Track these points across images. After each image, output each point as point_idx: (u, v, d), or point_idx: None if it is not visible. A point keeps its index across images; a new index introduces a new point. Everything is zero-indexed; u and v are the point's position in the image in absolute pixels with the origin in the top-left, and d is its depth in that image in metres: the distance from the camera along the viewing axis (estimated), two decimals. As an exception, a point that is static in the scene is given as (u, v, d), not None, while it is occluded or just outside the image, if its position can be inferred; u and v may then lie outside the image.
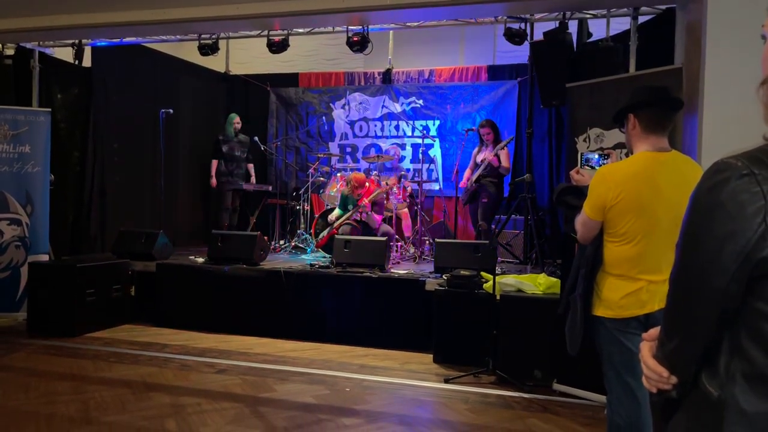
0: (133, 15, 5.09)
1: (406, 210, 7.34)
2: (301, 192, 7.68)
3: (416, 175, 7.86)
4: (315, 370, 4.53)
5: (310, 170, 7.80)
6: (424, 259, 6.75)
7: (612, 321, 2.31)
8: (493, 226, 6.53)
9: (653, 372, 1.10)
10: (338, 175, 7.58)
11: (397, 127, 8.54)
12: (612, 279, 2.32)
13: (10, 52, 6.37)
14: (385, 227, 6.62)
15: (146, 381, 4.21)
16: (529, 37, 5.54)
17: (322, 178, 7.81)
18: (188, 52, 7.49)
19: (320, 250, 6.75)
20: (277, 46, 6.11)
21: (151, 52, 7.46)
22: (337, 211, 6.75)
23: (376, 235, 6.27)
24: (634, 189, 2.26)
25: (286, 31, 6.04)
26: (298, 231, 7.54)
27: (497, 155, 6.42)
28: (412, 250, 6.97)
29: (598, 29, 5.38)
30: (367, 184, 6.65)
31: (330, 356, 4.94)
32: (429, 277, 5.30)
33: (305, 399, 3.92)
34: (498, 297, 4.46)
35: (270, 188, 8.04)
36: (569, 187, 2.60)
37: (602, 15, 5.14)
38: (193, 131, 8.35)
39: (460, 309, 4.72)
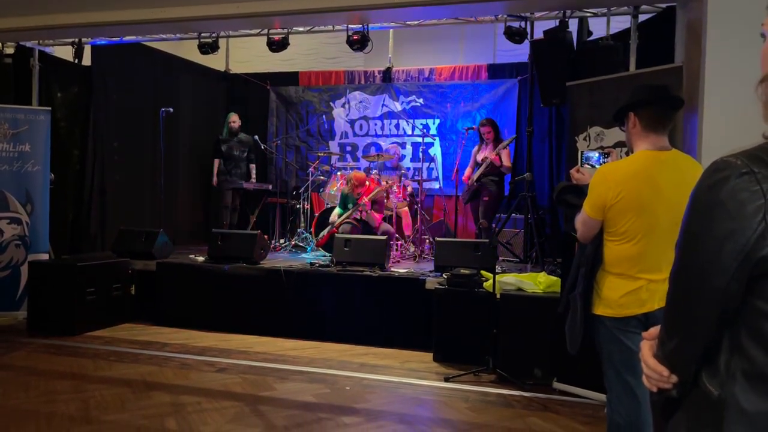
0: (132, 14, 5.08)
1: (406, 209, 7.34)
2: (301, 191, 7.68)
3: (416, 173, 7.86)
4: (315, 369, 4.54)
5: (310, 169, 7.80)
6: (424, 257, 6.75)
7: (612, 320, 2.31)
8: (493, 225, 6.53)
9: (654, 371, 1.10)
10: (338, 173, 7.58)
11: (397, 126, 8.53)
12: (612, 278, 2.32)
13: (9, 50, 6.36)
14: (385, 226, 6.62)
15: (146, 380, 4.21)
16: (529, 36, 5.53)
17: (322, 177, 7.81)
18: (188, 50, 7.49)
19: (320, 248, 6.75)
20: (277, 45, 6.10)
21: (151, 51, 7.46)
22: (337, 210, 6.75)
23: (376, 234, 6.27)
24: (635, 188, 2.26)
25: (286, 30, 6.04)
26: (298, 230, 7.54)
27: (499, 154, 6.42)
28: (412, 248, 6.97)
29: (598, 28, 5.38)
30: (367, 182, 6.65)
31: (330, 355, 4.94)
32: (429, 275, 5.30)
33: (305, 398, 3.92)
34: (498, 296, 4.46)
35: (270, 187, 8.03)
36: (569, 185, 2.60)
37: (602, 13, 5.14)
38: (193, 130, 8.35)
39: (460, 308, 4.72)
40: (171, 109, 6.82)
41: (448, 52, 8.37)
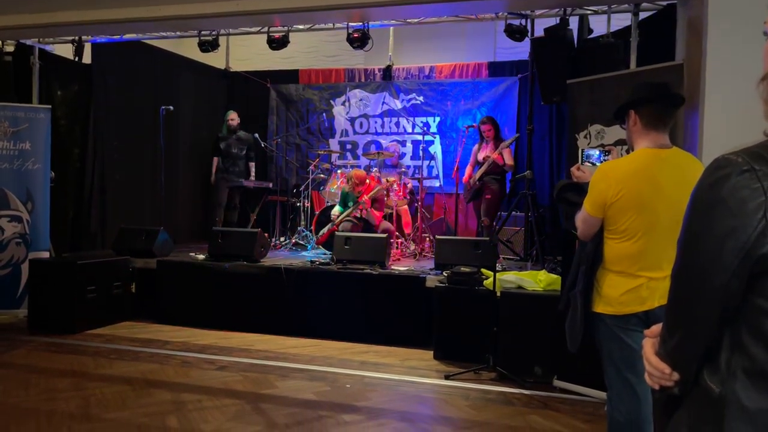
0: (132, 12, 5.08)
1: (406, 207, 7.34)
2: (301, 189, 7.68)
3: (416, 171, 7.86)
4: (316, 367, 4.54)
5: (311, 167, 7.80)
6: (424, 255, 6.75)
7: (612, 318, 2.31)
8: (494, 223, 6.53)
9: (656, 368, 1.10)
10: (338, 172, 7.58)
11: (397, 124, 8.53)
12: (612, 276, 2.32)
13: (10, 48, 6.35)
14: (386, 224, 6.62)
15: (147, 378, 4.21)
16: (529, 34, 5.53)
17: (322, 175, 7.81)
18: (188, 48, 7.48)
19: (321, 246, 6.76)
20: (278, 43, 6.09)
21: (151, 49, 7.45)
22: (337, 208, 6.75)
23: (376, 232, 6.27)
24: (635, 186, 2.26)
25: (286, 28, 6.02)
26: (299, 228, 7.54)
27: (501, 153, 6.42)
28: (412, 246, 6.97)
29: (598, 25, 5.37)
30: (367, 181, 6.65)
31: (331, 353, 4.95)
32: (429, 273, 5.30)
33: (306, 396, 3.93)
34: (498, 294, 4.46)
35: (270, 185, 8.04)
36: (570, 183, 2.60)
37: (603, 11, 5.13)
38: (194, 128, 8.35)
39: (460, 306, 4.72)
40: (171, 107, 6.81)
41: (448, 49, 8.36)
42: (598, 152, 3.06)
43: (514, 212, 6.64)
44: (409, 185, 7.43)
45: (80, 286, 5.43)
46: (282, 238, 7.62)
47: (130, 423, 3.40)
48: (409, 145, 8.41)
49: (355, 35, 5.68)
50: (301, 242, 7.30)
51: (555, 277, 4.50)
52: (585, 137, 4.15)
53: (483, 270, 4.85)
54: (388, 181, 6.94)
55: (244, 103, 8.81)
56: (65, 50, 6.66)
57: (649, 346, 1.15)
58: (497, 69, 8.10)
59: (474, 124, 7.28)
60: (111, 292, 5.75)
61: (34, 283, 5.59)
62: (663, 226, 2.23)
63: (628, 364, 2.27)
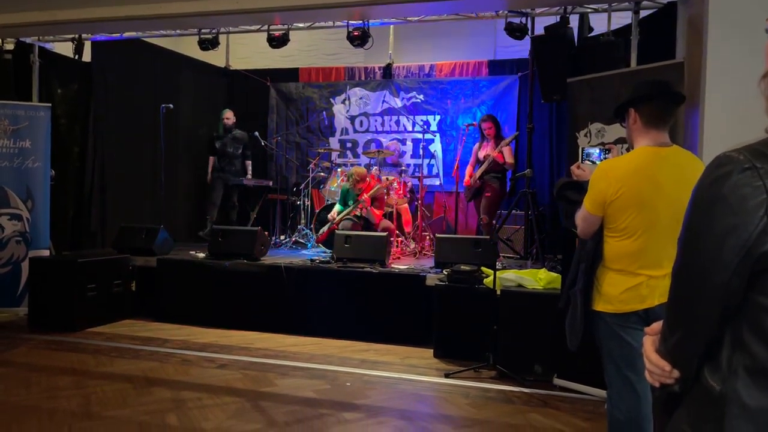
0: (132, 9, 5.07)
1: (406, 205, 7.34)
2: (301, 187, 7.68)
3: (416, 170, 7.86)
4: (316, 365, 4.54)
5: (311, 165, 7.80)
6: (424, 254, 6.75)
7: (612, 316, 2.31)
8: (494, 222, 6.53)
9: (656, 366, 1.10)
10: (339, 170, 7.58)
11: (397, 122, 8.52)
12: (612, 274, 2.32)
13: (9, 46, 6.35)
14: (386, 222, 6.62)
15: (147, 376, 4.21)
16: (529, 32, 5.52)
17: (322, 174, 7.81)
18: (188, 46, 7.48)
19: (321, 245, 6.76)
20: (278, 41, 6.09)
21: (151, 47, 7.44)
22: (337, 207, 6.75)
23: (376, 231, 6.27)
24: (635, 184, 2.26)
25: (286, 26, 6.02)
26: (299, 226, 7.54)
27: (501, 152, 6.41)
28: (412, 245, 6.97)
29: (599, 24, 5.36)
30: (368, 179, 6.65)
31: (330, 351, 4.95)
32: (429, 272, 5.30)
33: (306, 393, 3.93)
34: (498, 292, 4.46)
35: (270, 184, 8.04)
36: (570, 182, 2.60)
37: (603, 9, 5.12)
38: (194, 126, 8.33)
39: (460, 304, 4.72)
40: (171, 106, 6.81)
41: (448, 48, 8.35)
42: (598, 150, 3.06)
43: (514, 210, 6.64)
44: (409, 184, 7.43)
45: (80, 285, 5.43)
46: (282, 237, 7.62)
47: (130, 421, 3.41)
48: (409, 143, 8.40)
49: (356, 33, 5.68)
50: (301, 241, 7.30)
51: (555, 276, 4.50)
52: (585, 135, 4.15)
53: (483, 268, 4.85)
54: (387, 179, 6.94)
55: (244, 101, 8.80)
56: (65, 48, 6.65)
57: (649, 343, 1.15)
58: (497, 67, 8.10)
59: (474, 123, 7.28)
60: (111, 291, 5.75)
61: (34, 282, 5.60)
62: (663, 224, 2.23)
63: (628, 362, 2.27)
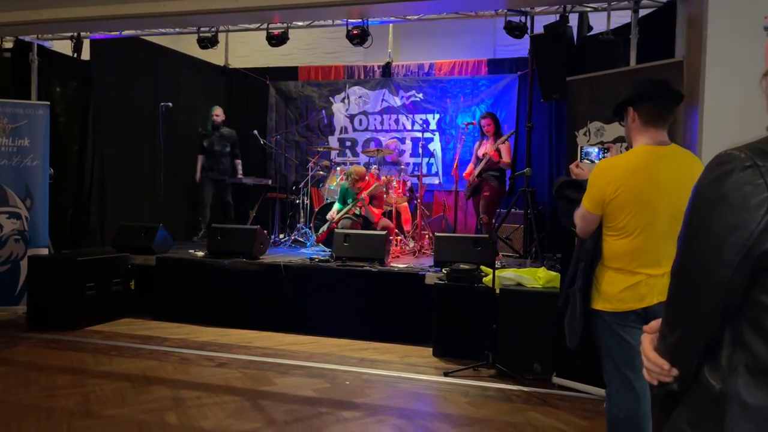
0: (132, 8, 5.07)
1: (405, 204, 7.34)
2: (300, 186, 7.68)
3: (416, 169, 7.85)
4: (315, 364, 4.54)
5: (310, 164, 7.80)
6: (423, 253, 6.75)
7: (611, 314, 2.31)
8: (493, 220, 6.53)
9: (654, 364, 1.10)
10: (338, 169, 7.58)
11: (396, 121, 8.52)
12: (611, 272, 2.33)
13: (8, 45, 6.34)
14: (385, 221, 6.62)
15: (146, 374, 4.21)
16: (529, 31, 5.52)
17: (321, 172, 7.80)
18: (187, 45, 7.47)
19: (320, 244, 6.76)
20: (277, 40, 6.08)
21: (150, 45, 7.43)
22: (336, 206, 6.75)
23: (375, 229, 6.27)
24: (634, 183, 2.26)
25: (285, 24, 6.02)
26: (298, 225, 7.54)
27: (498, 150, 6.41)
28: (411, 244, 6.97)
29: (598, 22, 5.36)
30: (367, 177, 6.65)
31: (330, 350, 4.95)
32: (429, 270, 5.30)
33: (305, 392, 3.93)
34: (498, 291, 4.47)
35: (269, 182, 8.03)
36: (569, 180, 2.60)
37: (603, 8, 5.12)
38: (193, 125, 8.31)
39: (459, 303, 4.72)
40: (170, 104, 6.80)
41: (448, 46, 8.35)
42: (597, 149, 3.06)
43: (513, 209, 6.65)
44: (409, 182, 7.43)
45: (79, 283, 5.43)
46: (281, 235, 7.62)
47: (129, 419, 3.41)
48: (408, 142, 8.40)
49: (355, 32, 5.68)
50: (301, 239, 7.30)
51: (554, 274, 4.50)
52: (584, 134, 4.15)
53: (482, 267, 4.85)
54: (386, 178, 6.94)
55: (243, 99, 8.79)
56: (64, 46, 6.64)
57: (647, 341, 1.15)
58: (497, 66, 8.09)
59: (473, 121, 7.28)
60: (110, 289, 5.75)
61: (33, 280, 5.59)
62: (661, 222, 2.23)
63: (626, 361, 2.28)
